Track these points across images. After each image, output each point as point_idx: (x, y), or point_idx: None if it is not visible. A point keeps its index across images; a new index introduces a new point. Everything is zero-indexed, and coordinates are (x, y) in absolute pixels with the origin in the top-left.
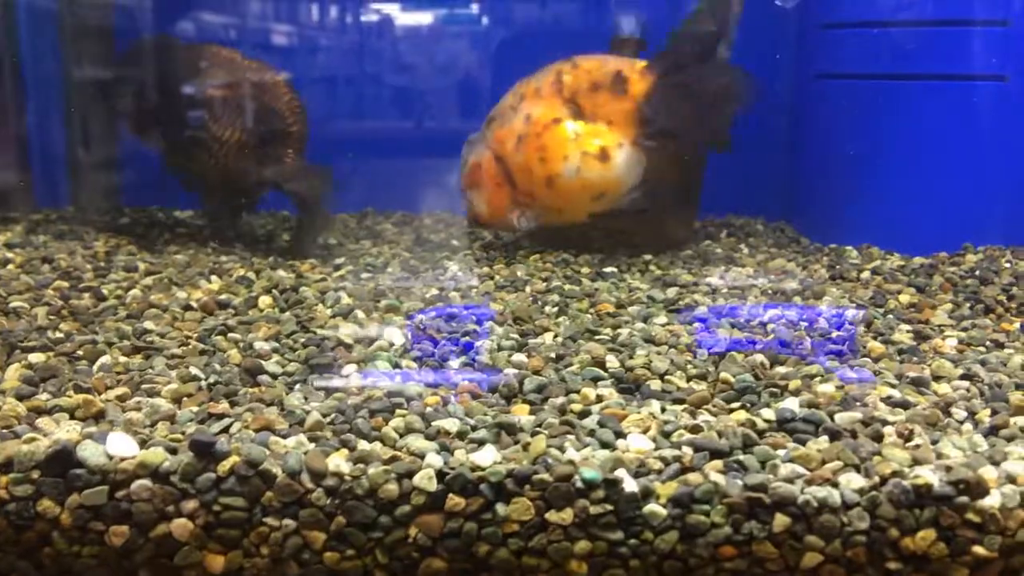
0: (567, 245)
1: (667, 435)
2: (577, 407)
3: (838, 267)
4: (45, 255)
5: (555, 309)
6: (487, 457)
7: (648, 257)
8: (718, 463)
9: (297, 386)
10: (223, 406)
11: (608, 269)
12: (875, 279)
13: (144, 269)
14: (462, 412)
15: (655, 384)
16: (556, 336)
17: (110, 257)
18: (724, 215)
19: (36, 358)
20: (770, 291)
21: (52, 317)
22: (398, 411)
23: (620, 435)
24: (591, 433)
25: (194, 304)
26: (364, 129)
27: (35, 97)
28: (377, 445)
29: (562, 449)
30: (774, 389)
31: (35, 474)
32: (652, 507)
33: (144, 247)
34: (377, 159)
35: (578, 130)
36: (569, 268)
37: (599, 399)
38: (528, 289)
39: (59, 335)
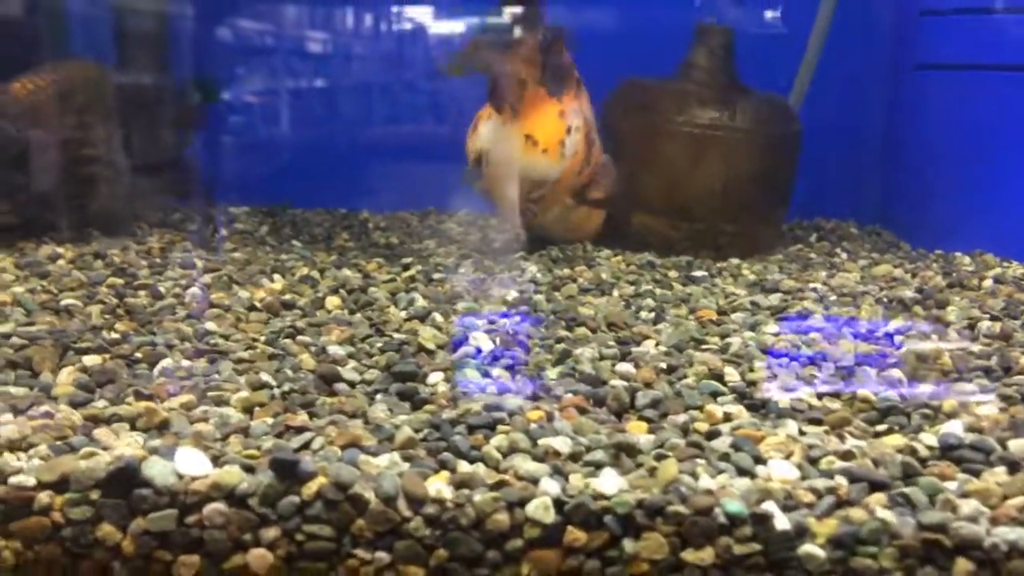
0: (646, 247)
1: (814, 461)
2: (702, 426)
3: (954, 274)
4: (97, 250)
5: (651, 315)
6: (610, 484)
7: (736, 261)
8: (880, 496)
9: (379, 396)
10: (301, 418)
11: (698, 273)
12: (1002, 288)
13: (202, 267)
14: (570, 429)
15: (783, 401)
16: (658, 344)
17: (165, 254)
18: (812, 218)
19: (91, 360)
20: (885, 299)
21: (107, 316)
22: (499, 427)
23: (759, 460)
24: (724, 457)
25: (258, 304)
26: (427, 131)
27: None
28: (480, 467)
29: (694, 475)
30: (926, 411)
31: (94, 494)
32: (809, 548)
33: (199, 244)
34: (439, 159)
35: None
36: (656, 271)
37: (727, 417)
38: (616, 293)
39: (115, 335)
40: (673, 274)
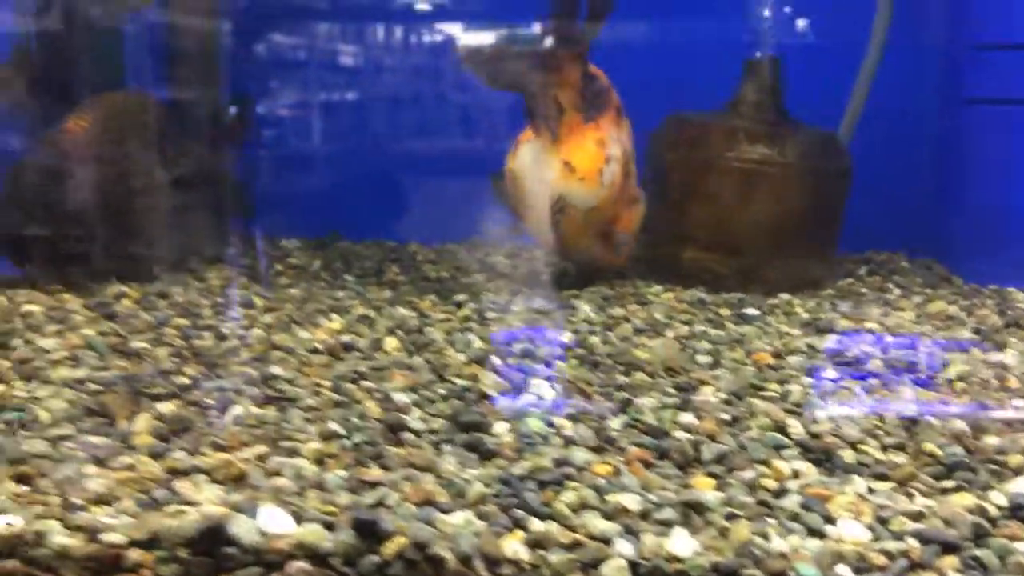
0: (695, 281)
1: (884, 522)
2: (769, 482)
3: (1010, 312)
4: (161, 289)
5: (708, 359)
6: (684, 545)
7: (786, 296)
8: (952, 559)
9: (446, 447)
10: (375, 472)
11: (749, 311)
12: None
13: (262, 305)
14: (637, 484)
15: (847, 455)
16: (717, 391)
17: (224, 291)
18: (863, 251)
19: (165, 407)
20: (941, 339)
21: (175, 359)
22: (568, 483)
23: (829, 520)
24: (794, 517)
25: (319, 346)
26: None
27: None
28: (553, 525)
29: (765, 536)
30: (993, 465)
31: (183, 552)
32: None
33: (255, 279)
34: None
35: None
36: (707, 309)
37: (795, 474)
38: (670, 334)
39: (184, 380)
40: (725, 312)
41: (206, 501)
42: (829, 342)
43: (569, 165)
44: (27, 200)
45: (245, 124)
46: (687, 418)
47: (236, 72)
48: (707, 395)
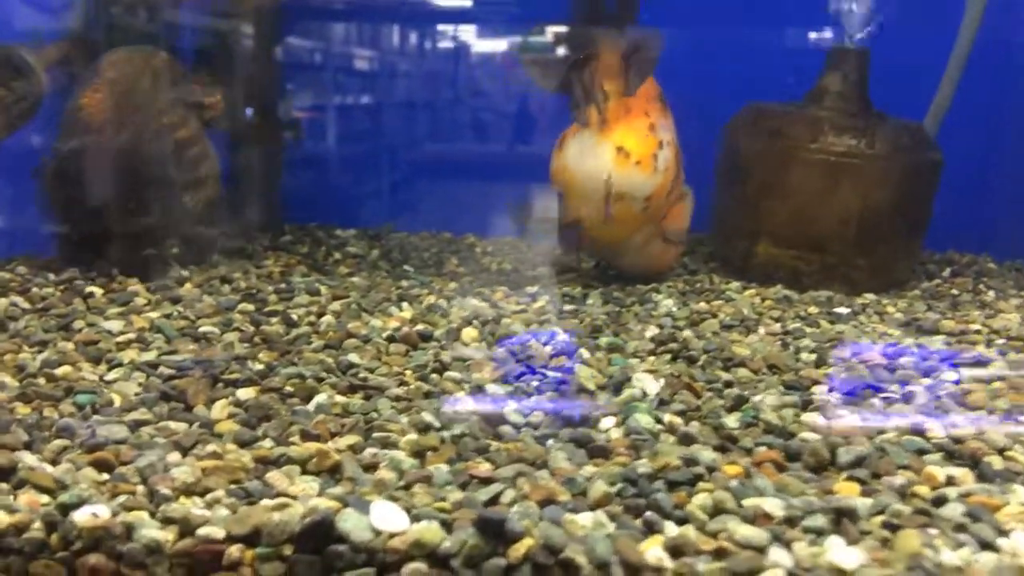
0: (772, 279)
1: None
2: (923, 489)
3: None
4: (223, 274)
5: (812, 356)
6: (848, 557)
7: (871, 296)
8: None
9: (551, 441)
10: (485, 467)
11: (840, 310)
12: None
13: (328, 293)
14: (773, 488)
15: (995, 461)
16: (832, 391)
17: (286, 278)
18: (943, 250)
19: (244, 394)
20: None
21: (246, 344)
22: (700, 484)
23: (1001, 532)
24: (961, 528)
25: (395, 335)
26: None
27: None
28: (690, 529)
29: (932, 548)
30: None
31: (287, 549)
32: None
33: (315, 268)
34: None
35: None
36: (795, 307)
37: (951, 480)
38: (762, 331)
39: (260, 366)
40: (814, 310)
41: (303, 493)
42: (937, 343)
43: (623, 150)
44: (67, 196)
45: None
46: (812, 417)
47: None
48: (824, 395)
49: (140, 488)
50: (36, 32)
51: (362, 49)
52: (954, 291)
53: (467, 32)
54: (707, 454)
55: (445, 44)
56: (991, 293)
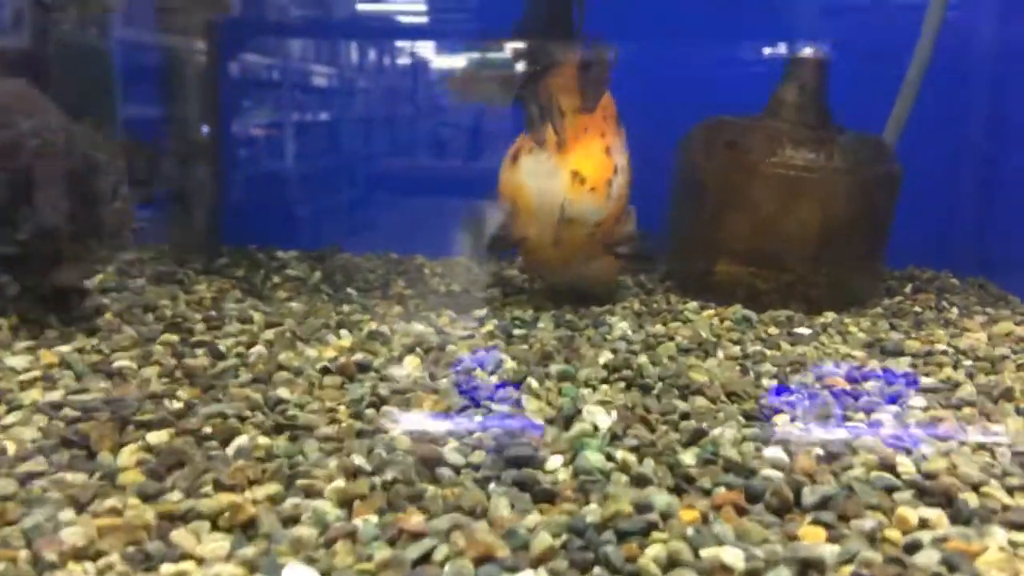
0: (730, 297)
1: None
2: (894, 534)
3: None
4: (146, 302)
5: (773, 382)
6: None
7: (831, 315)
8: None
9: (492, 485)
10: (416, 519)
11: (800, 330)
12: None
13: (261, 321)
14: (732, 535)
15: (970, 498)
16: (794, 420)
17: (218, 304)
18: (903, 267)
19: (156, 437)
20: None
21: (165, 380)
22: (654, 533)
23: None
24: None
25: (330, 366)
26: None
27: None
28: None
29: None
30: None
31: None
32: None
33: (251, 293)
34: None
35: None
36: (755, 328)
37: (924, 523)
38: (721, 354)
39: (178, 405)
40: (774, 331)
41: (210, 555)
42: (902, 365)
43: (579, 175)
44: None
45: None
46: (774, 453)
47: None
48: (784, 425)
49: (23, 553)
50: None
51: (306, 65)
52: (917, 308)
53: (413, 47)
54: (662, 498)
55: (390, 60)
56: (955, 310)
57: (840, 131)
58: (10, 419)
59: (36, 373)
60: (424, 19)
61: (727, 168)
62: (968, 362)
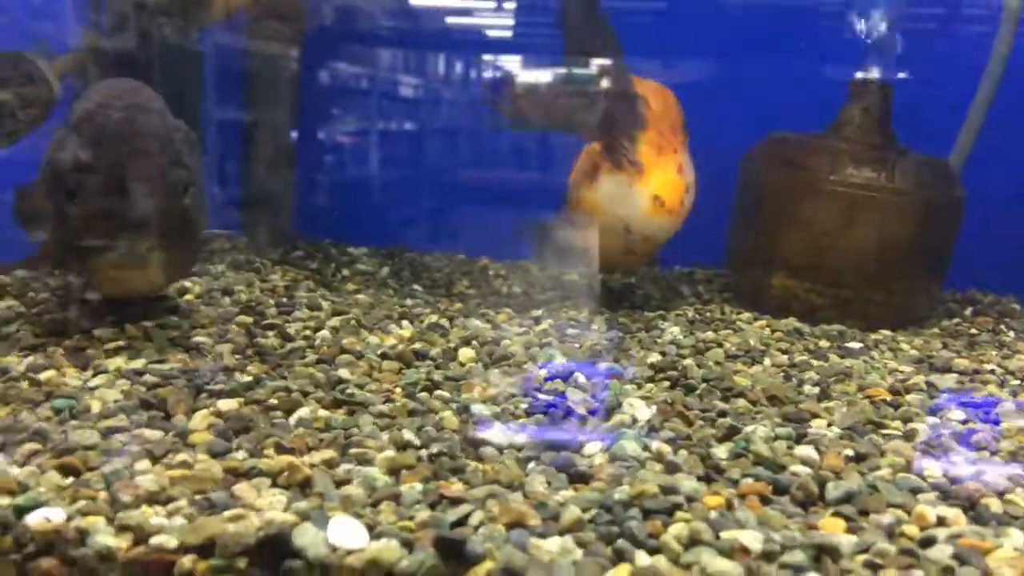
0: (785, 311)
1: None
2: (911, 529)
3: None
4: (224, 287)
5: (815, 390)
6: None
7: (887, 332)
8: None
9: (532, 464)
10: (456, 487)
11: (852, 344)
12: None
13: (329, 308)
14: (755, 521)
15: (992, 503)
16: (831, 425)
17: (290, 292)
18: (965, 290)
19: (226, 405)
20: None
21: (238, 356)
22: (678, 513)
23: None
24: (948, 571)
25: (389, 352)
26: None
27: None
28: (661, 560)
29: None
30: None
31: (241, 562)
32: None
33: (322, 283)
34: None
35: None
36: (806, 340)
37: (941, 521)
38: (768, 362)
39: (247, 378)
40: (825, 344)
41: (268, 507)
42: (948, 381)
43: (659, 199)
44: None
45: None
46: (805, 451)
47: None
48: (821, 428)
49: (102, 495)
50: (41, 41)
51: (384, 75)
52: (973, 330)
53: (492, 57)
54: (689, 483)
55: (464, 71)
56: (1011, 334)
57: (903, 153)
58: (96, 381)
59: (120, 343)
60: (503, 33)
61: (788, 184)
62: (1015, 382)
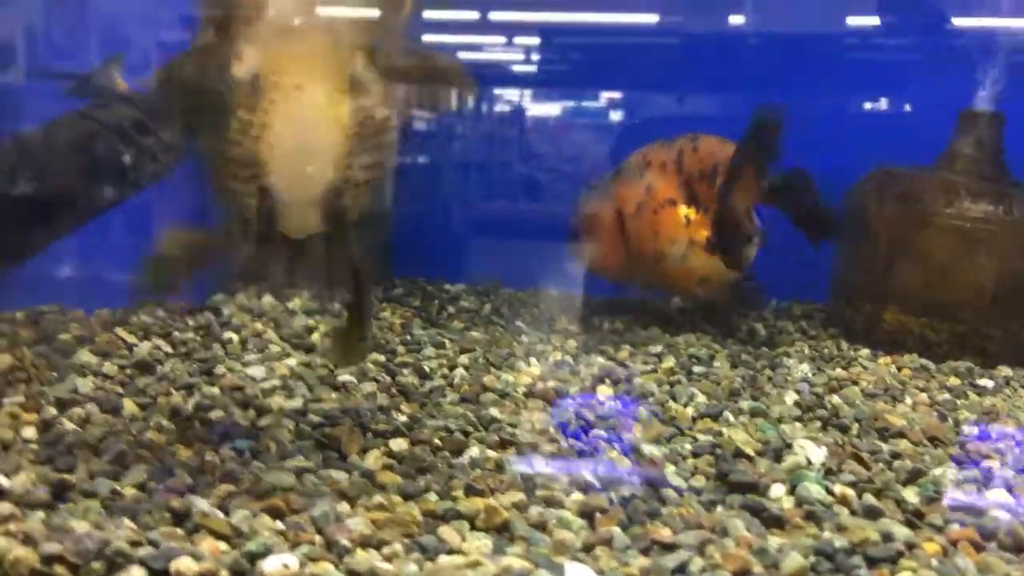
0: (898, 346)
1: None
2: None
3: None
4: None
5: (973, 430)
6: None
7: (1007, 370)
8: None
9: (719, 508)
10: (666, 532)
11: (983, 382)
12: None
13: (454, 347)
14: (974, 568)
15: None
16: (1003, 466)
17: (408, 330)
18: None
19: (396, 444)
20: None
21: (384, 395)
22: (902, 561)
23: None
24: None
25: (532, 390)
26: None
27: None
28: None
29: None
30: None
31: None
32: None
33: (430, 321)
34: None
35: (691, 216)
36: (935, 377)
37: None
38: (910, 400)
39: (403, 418)
40: (955, 381)
41: (475, 551)
42: None
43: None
44: None
45: None
46: (997, 495)
47: None
48: (996, 469)
49: (318, 538)
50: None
51: (474, 111)
52: None
53: (579, 96)
54: (900, 529)
55: (553, 108)
56: None
57: (1018, 185)
58: (263, 421)
59: (275, 382)
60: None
61: (900, 218)
62: None
